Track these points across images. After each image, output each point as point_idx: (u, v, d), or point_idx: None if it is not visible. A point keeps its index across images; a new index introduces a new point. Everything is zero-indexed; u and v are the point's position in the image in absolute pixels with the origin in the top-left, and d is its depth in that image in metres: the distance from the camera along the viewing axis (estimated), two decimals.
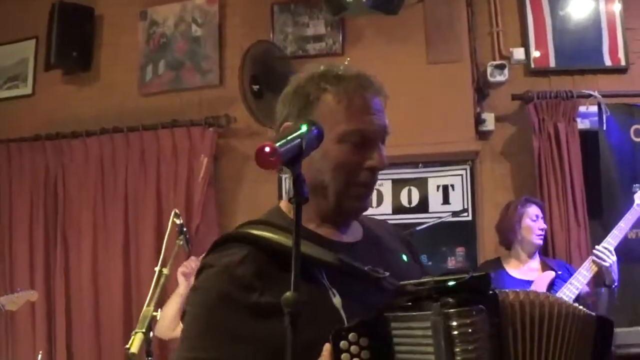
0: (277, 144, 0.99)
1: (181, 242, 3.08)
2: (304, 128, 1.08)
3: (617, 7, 3.95)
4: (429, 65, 3.83)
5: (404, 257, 1.42)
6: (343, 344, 1.06)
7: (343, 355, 1.05)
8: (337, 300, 1.18)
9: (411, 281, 1.10)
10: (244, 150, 3.95)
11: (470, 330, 0.98)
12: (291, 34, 3.94)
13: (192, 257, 3.12)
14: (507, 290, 1.07)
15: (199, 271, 1.25)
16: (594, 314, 1.15)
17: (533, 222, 3.26)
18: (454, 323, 0.98)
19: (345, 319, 1.15)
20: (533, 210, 3.30)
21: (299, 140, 1.05)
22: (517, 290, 1.09)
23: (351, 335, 1.06)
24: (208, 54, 4.04)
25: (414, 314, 1.05)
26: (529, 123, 3.76)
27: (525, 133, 3.81)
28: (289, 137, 1.04)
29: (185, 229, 3.11)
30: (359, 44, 3.91)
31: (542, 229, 3.28)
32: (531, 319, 1.06)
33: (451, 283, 1.02)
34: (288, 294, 0.99)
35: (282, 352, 0.97)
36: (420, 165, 3.82)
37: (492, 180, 3.82)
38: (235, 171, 3.98)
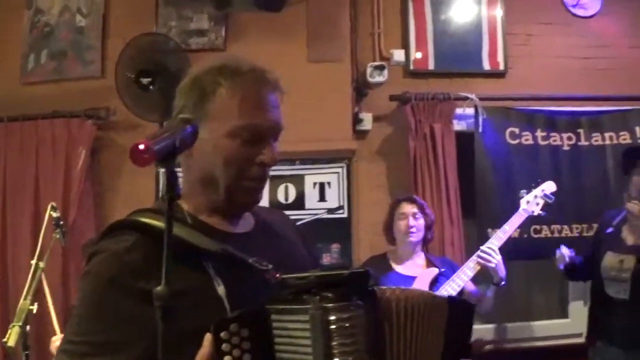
0: (151, 142, 1.00)
1: (58, 236, 3.06)
2: (178, 127, 1.09)
3: (498, 13, 4.04)
4: (310, 64, 3.85)
5: (299, 248, 1.45)
6: (224, 334, 1.07)
7: (224, 346, 1.06)
8: (221, 290, 1.19)
9: (293, 275, 1.11)
10: (123, 143, 3.91)
11: (347, 325, 1.00)
12: (174, 27, 3.91)
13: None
14: (384, 287, 1.11)
15: (89, 257, 1.24)
16: (446, 296, 1.26)
17: (401, 221, 3.28)
18: (332, 317, 1.00)
19: (228, 309, 1.17)
20: (405, 208, 3.32)
21: (173, 138, 1.06)
22: (394, 287, 1.13)
23: (232, 326, 1.07)
24: (91, 45, 3.98)
25: (294, 307, 1.06)
26: (406, 123, 3.82)
27: (402, 133, 3.86)
28: (163, 135, 1.05)
29: (61, 222, 3.08)
30: (242, 39, 3.90)
31: (409, 226, 3.26)
32: (405, 312, 1.12)
33: (331, 278, 1.04)
34: (159, 288, 1.01)
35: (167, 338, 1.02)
36: (297, 162, 3.84)
37: (369, 178, 3.86)
38: (114, 164, 3.93)
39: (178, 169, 1.10)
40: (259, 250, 1.28)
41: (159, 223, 1.21)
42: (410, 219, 3.27)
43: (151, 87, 3.67)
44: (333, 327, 1.00)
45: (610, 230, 3.06)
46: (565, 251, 3.26)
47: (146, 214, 1.26)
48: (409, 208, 3.31)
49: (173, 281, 1.09)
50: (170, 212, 1.05)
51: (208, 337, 1.08)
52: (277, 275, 1.19)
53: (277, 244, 1.38)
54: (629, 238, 2.99)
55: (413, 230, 3.26)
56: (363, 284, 1.07)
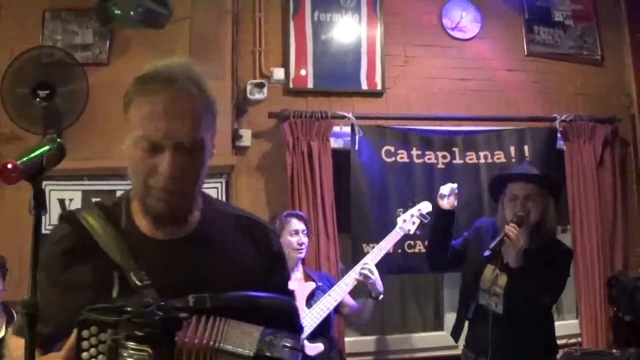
0: (19, 162, 1.07)
1: None
2: (46, 147, 1.15)
3: (378, 34, 4.16)
4: None
5: (240, 263, 1.41)
6: (85, 332, 1.14)
7: (83, 343, 1.14)
8: (114, 292, 1.26)
9: (122, 305, 1.16)
10: (7, 155, 3.88)
11: None
12: (60, 41, 3.96)
13: None
14: (191, 337, 1.16)
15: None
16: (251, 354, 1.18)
17: (292, 237, 3.31)
18: (124, 354, 1.11)
19: None
20: (293, 225, 3.35)
21: (41, 157, 1.12)
22: (204, 339, 1.16)
23: (93, 328, 1.14)
24: None
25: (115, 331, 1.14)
26: (284, 140, 3.92)
27: (281, 150, 3.96)
28: (31, 155, 1.11)
29: None
30: (125, 55, 3.97)
31: (301, 244, 3.32)
32: None
33: (135, 321, 1.12)
34: (26, 297, 1.10)
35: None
36: None
37: (247, 193, 3.96)
38: None
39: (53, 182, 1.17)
40: (176, 258, 1.33)
41: (92, 221, 1.35)
42: (301, 235, 3.34)
43: (50, 100, 3.77)
44: None
45: (487, 253, 2.96)
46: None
47: (93, 209, 1.38)
48: (300, 225, 3.37)
49: (80, 274, 1.30)
50: (39, 228, 1.14)
51: (75, 331, 1.16)
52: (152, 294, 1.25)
53: (207, 253, 1.37)
54: (506, 256, 2.98)
55: (303, 247, 3.34)
56: (169, 331, 1.13)
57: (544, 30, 4.45)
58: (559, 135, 4.31)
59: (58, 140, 1.21)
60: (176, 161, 1.27)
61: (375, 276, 3.27)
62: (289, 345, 1.20)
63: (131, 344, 1.10)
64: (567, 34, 4.50)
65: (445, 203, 3.16)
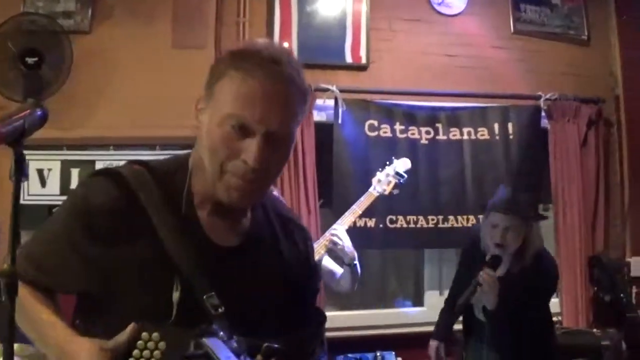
0: (0, 125, 1.06)
1: None
2: (27, 110, 1.13)
3: (364, 7, 4.13)
4: (174, 50, 3.89)
5: (289, 269, 1.38)
6: (145, 335, 1.13)
7: (139, 343, 1.13)
8: (176, 296, 1.19)
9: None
10: None
11: None
12: (41, 8, 3.91)
13: None
14: None
15: (90, 175, 1.34)
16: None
17: None
18: None
19: (173, 316, 1.18)
20: None
21: (22, 121, 1.10)
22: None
23: (154, 335, 1.13)
24: None
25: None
26: None
27: None
28: (12, 118, 1.09)
29: None
30: (107, 22, 3.92)
31: None
32: None
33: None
34: (6, 267, 1.05)
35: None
36: (157, 147, 3.88)
37: None
38: None
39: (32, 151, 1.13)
40: (234, 269, 1.28)
41: (146, 198, 1.24)
42: None
43: (38, 67, 3.72)
44: None
45: (457, 309, 3.06)
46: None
47: (146, 177, 1.27)
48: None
49: (125, 254, 1.21)
50: (17, 194, 1.11)
51: (132, 327, 1.14)
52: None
53: (260, 261, 1.34)
54: (483, 299, 2.97)
55: None
56: None
57: (530, 8, 4.43)
58: (543, 114, 4.30)
59: (40, 104, 1.19)
60: (264, 150, 1.19)
61: (344, 242, 3.13)
62: None
63: None
64: (554, 13, 4.48)
65: None
